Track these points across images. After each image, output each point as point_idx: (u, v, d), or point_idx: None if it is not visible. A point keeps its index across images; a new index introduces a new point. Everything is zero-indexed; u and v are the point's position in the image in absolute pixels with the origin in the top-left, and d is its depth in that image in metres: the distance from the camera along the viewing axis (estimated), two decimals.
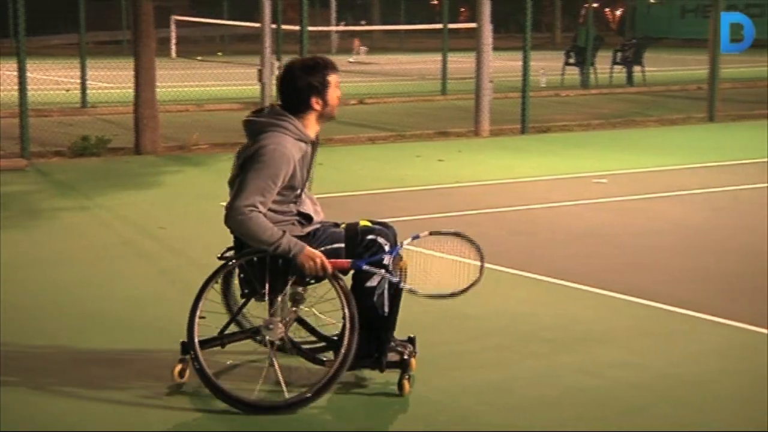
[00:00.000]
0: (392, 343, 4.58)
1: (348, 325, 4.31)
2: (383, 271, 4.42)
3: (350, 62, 26.03)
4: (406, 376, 4.48)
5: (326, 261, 4.33)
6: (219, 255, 4.65)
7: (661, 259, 7.05)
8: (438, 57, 19.80)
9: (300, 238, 4.42)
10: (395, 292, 4.50)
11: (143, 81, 12.00)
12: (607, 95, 19.32)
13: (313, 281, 4.47)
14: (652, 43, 24.88)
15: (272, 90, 16.82)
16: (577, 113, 16.14)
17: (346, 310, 4.32)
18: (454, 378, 4.71)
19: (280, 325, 4.41)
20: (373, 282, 4.45)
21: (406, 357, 4.52)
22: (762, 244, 7.44)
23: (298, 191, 4.49)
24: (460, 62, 20.38)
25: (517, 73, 14.75)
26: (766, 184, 9.89)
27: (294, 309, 4.47)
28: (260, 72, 16.62)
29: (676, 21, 37.87)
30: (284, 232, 4.34)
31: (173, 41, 29.63)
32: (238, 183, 4.36)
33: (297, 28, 14.01)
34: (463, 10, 38.86)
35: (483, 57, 13.87)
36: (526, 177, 10.42)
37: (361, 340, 4.35)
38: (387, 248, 4.47)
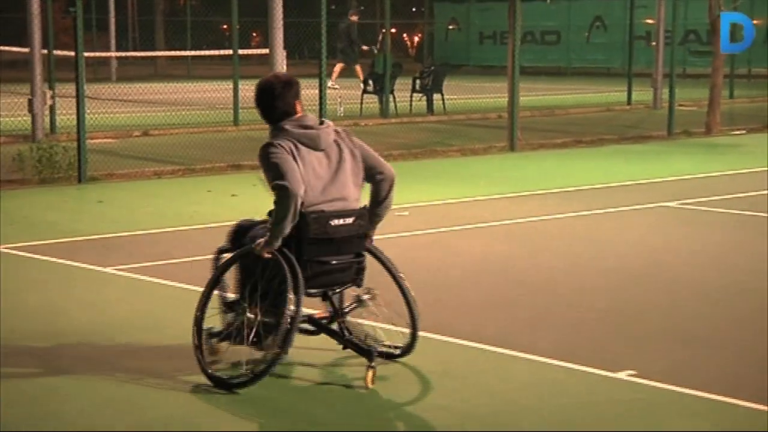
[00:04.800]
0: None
1: None
2: None
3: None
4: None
5: None
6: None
7: (463, 294, 7.29)
8: (229, 85, 19.77)
9: None
10: None
11: None
12: (408, 124, 19.78)
13: None
14: (451, 70, 25.70)
15: (44, 121, 16.37)
16: (378, 143, 16.39)
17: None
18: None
19: None
20: None
21: None
22: (562, 276, 7.82)
23: None
24: (253, 90, 20.43)
25: (313, 102, 14.92)
26: (566, 214, 10.40)
27: None
28: (30, 102, 16.16)
29: (475, 47, 39.29)
30: None
31: None
32: (377, 159, 5.87)
33: (72, 53, 13.68)
34: (254, 35, 39.00)
35: None
36: None
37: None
38: None
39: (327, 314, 5.61)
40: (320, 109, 14.38)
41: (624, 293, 7.32)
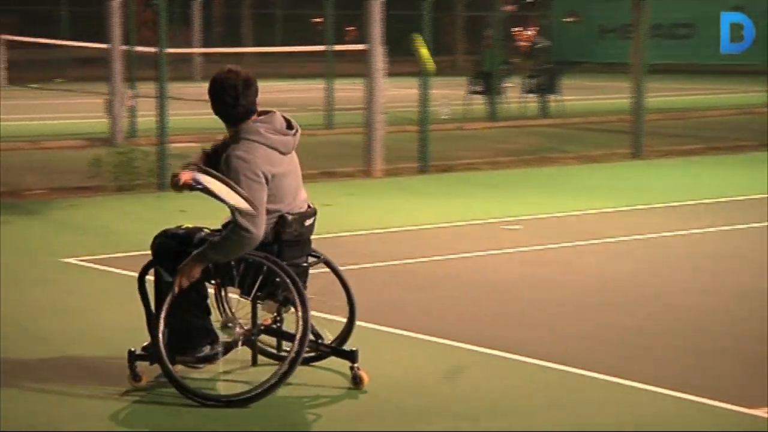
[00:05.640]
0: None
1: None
2: None
3: None
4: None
5: None
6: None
7: (580, 317, 7.24)
8: (322, 84, 19.97)
9: None
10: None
11: None
12: (518, 128, 19.73)
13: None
14: (569, 68, 25.55)
15: (123, 124, 16.72)
16: (484, 149, 16.45)
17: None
18: None
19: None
20: None
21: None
22: (690, 299, 7.71)
23: None
24: (348, 90, 20.60)
25: (415, 103, 14.99)
26: (697, 230, 10.26)
27: None
28: (109, 102, 16.53)
29: (595, 42, 38.98)
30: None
31: (2, 66, 29.19)
32: None
33: (153, 50, 13.97)
34: (350, 29, 39.30)
35: (374, 84, 14.05)
36: (426, 223, 10.57)
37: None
38: None
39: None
40: (423, 110, 14.45)
41: (761, 318, 7.18)
